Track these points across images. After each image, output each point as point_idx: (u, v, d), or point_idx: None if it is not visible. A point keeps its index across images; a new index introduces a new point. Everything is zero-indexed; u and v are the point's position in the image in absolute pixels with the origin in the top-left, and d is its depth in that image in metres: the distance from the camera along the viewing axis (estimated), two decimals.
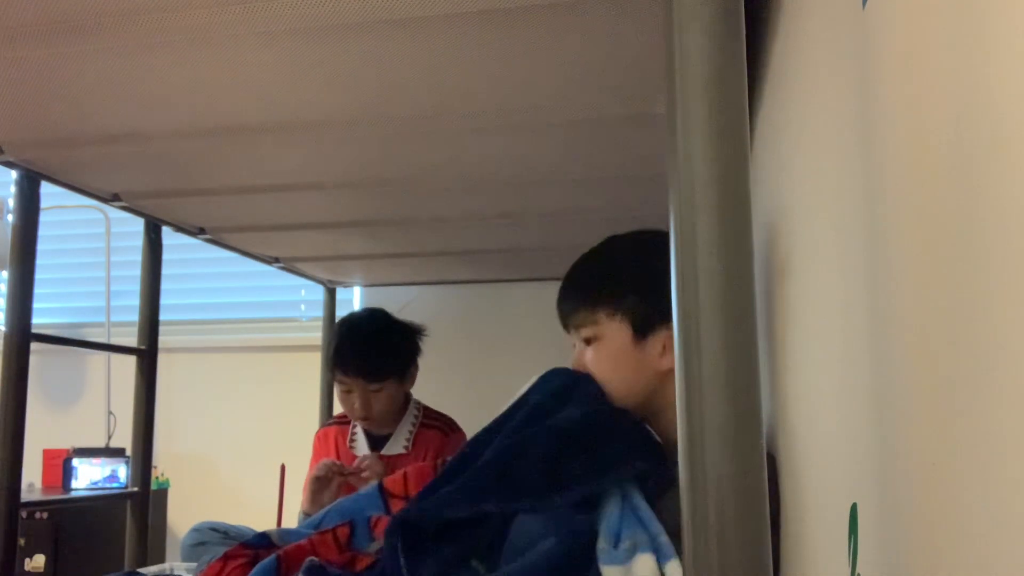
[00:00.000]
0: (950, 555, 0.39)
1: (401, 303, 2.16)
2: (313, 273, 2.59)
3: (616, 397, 1.18)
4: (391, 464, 1.91)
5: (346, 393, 1.96)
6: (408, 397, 2.07)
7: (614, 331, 1.18)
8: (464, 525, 1.04)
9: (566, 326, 1.25)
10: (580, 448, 1.06)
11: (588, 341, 1.20)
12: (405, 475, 1.26)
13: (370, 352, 1.94)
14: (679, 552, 0.95)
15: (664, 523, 0.99)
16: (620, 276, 1.20)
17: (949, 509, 0.39)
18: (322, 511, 1.31)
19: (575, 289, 1.24)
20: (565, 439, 1.07)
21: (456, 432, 2.06)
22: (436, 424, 2.06)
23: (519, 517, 1.02)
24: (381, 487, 1.26)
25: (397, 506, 1.22)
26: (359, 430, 2.06)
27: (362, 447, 2.04)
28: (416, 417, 2.05)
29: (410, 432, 2.02)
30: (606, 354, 1.18)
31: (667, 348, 1.15)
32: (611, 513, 1.00)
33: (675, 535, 0.96)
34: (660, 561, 0.94)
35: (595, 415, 1.11)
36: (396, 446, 2.01)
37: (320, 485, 1.85)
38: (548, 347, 2.52)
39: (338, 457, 2.02)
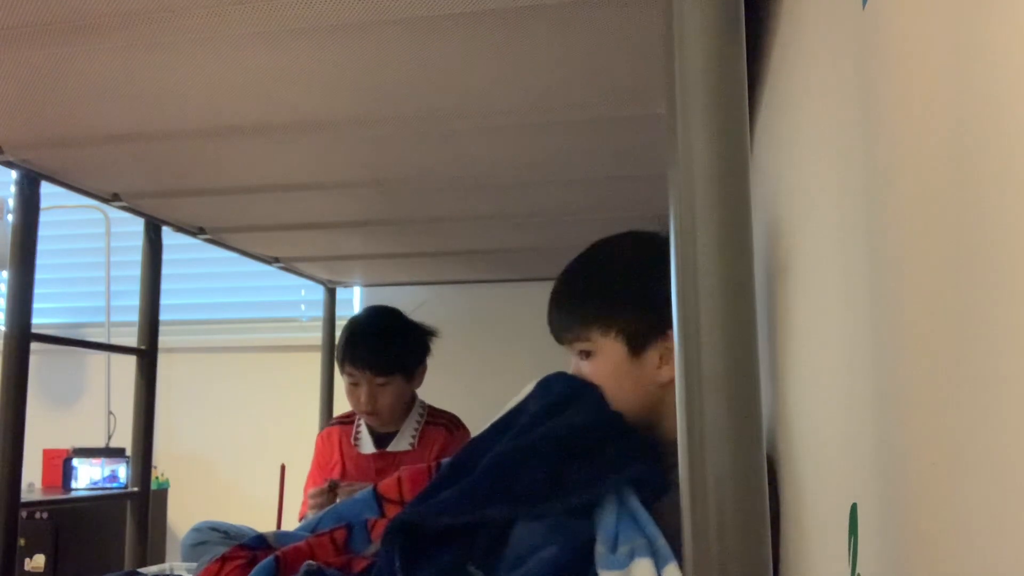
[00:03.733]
0: (950, 555, 0.39)
1: (416, 303, 2.16)
2: (313, 273, 2.60)
3: (618, 409, 1.16)
4: (396, 461, 1.93)
5: (353, 386, 1.98)
6: (414, 396, 2.08)
7: (609, 348, 1.15)
8: (462, 530, 1.04)
9: (559, 340, 1.23)
10: (580, 454, 1.06)
11: (583, 355, 1.18)
12: (399, 479, 1.26)
13: (380, 345, 1.96)
14: (676, 556, 0.95)
15: (661, 527, 0.99)
16: (611, 291, 1.17)
17: (949, 509, 0.39)
18: (318, 515, 1.31)
19: (566, 304, 1.21)
20: (566, 445, 1.07)
21: (460, 429, 2.07)
22: (441, 422, 2.07)
23: (519, 524, 1.01)
24: (375, 491, 1.26)
25: (392, 510, 1.21)
26: (363, 429, 2.07)
27: (367, 445, 2.05)
28: (421, 415, 2.07)
29: (416, 429, 2.04)
30: (603, 370, 1.16)
31: (664, 359, 1.13)
32: (608, 517, 1.00)
33: (672, 539, 0.96)
34: (658, 565, 0.94)
35: (595, 421, 1.11)
36: (402, 442, 2.02)
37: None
38: (548, 347, 2.52)
39: (342, 456, 2.04)
